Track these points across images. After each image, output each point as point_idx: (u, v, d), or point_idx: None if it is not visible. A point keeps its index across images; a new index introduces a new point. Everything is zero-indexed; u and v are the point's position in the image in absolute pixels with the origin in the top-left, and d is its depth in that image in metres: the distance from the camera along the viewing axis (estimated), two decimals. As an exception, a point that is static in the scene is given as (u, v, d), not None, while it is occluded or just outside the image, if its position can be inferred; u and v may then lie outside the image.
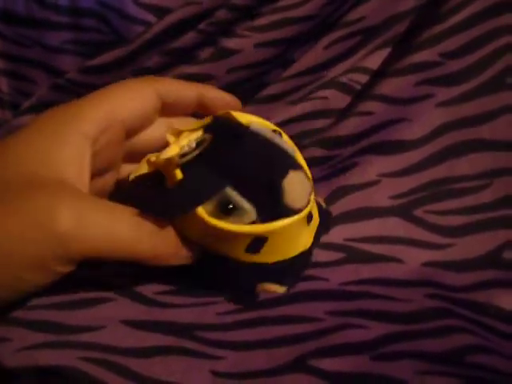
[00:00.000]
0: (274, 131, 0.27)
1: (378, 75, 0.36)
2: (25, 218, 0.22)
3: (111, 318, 0.26)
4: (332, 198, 0.34)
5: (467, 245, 0.32)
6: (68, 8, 0.41)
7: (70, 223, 0.22)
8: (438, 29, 0.34)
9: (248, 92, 0.39)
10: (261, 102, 0.38)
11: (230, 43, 0.37)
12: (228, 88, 0.39)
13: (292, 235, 0.26)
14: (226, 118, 0.26)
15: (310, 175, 0.27)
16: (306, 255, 0.28)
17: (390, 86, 0.35)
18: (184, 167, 0.25)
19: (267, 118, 0.37)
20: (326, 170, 0.35)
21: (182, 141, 0.26)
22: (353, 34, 0.37)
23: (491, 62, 0.34)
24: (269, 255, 0.26)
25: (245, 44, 0.37)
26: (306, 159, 0.36)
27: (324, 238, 0.32)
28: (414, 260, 0.31)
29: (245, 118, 0.26)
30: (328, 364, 0.24)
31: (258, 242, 0.25)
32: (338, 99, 0.36)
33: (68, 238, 0.22)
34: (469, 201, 0.33)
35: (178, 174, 0.25)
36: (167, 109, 0.29)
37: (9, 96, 0.44)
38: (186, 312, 0.27)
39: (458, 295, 0.29)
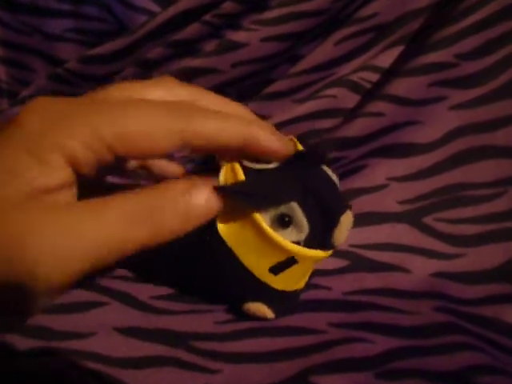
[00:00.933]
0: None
1: (390, 74, 0.34)
2: None
3: (103, 325, 0.24)
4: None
5: (478, 256, 0.31)
6: (70, -5, 0.39)
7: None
8: (453, 29, 0.33)
9: (253, 88, 0.37)
10: (266, 99, 0.37)
11: (236, 36, 0.36)
12: (232, 83, 0.38)
13: (308, 268, 0.26)
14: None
15: None
16: (299, 294, 0.28)
17: (402, 87, 0.34)
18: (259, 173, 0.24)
19: (272, 116, 0.37)
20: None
21: None
22: (365, 31, 0.35)
23: (507, 64, 0.33)
24: (282, 281, 0.25)
25: (251, 37, 0.36)
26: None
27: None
28: (421, 270, 0.30)
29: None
30: (330, 381, 0.23)
31: (286, 264, 0.24)
32: (346, 98, 0.35)
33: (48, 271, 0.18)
34: (482, 209, 0.31)
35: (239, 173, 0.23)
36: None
37: (7, 84, 0.43)
38: (183, 319, 0.26)
39: (465, 309, 0.28)
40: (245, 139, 0.21)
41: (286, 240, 0.23)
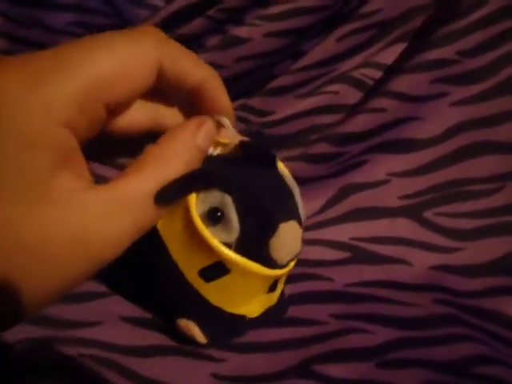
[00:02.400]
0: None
1: (392, 71, 0.35)
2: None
3: (109, 314, 0.25)
4: (339, 196, 0.33)
5: (477, 249, 0.31)
6: (73, -12, 0.39)
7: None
8: (456, 26, 0.33)
9: (256, 83, 0.37)
10: (268, 94, 0.37)
11: (239, 31, 0.36)
12: (235, 78, 0.38)
13: (250, 289, 0.23)
14: (262, 144, 0.24)
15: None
16: (245, 323, 0.24)
17: (404, 83, 0.34)
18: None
19: (274, 111, 0.37)
20: (333, 167, 0.34)
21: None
22: (368, 27, 0.35)
23: (508, 60, 0.33)
24: (217, 294, 0.22)
25: (254, 33, 0.36)
26: (313, 155, 0.35)
27: (329, 236, 0.32)
28: (421, 263, 0.31)
29: None
30: (333, 370, 0.23)
31: (216, 270, 0.21)
32: (348, 94, 0.35)
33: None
34: (481, 204, 0.32)
35: None
36: (160, 85, 0.20)
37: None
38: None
39: (465, 301, 0.29)
40: (205, 80, 0.21)
41: (213, 238, 0.21)
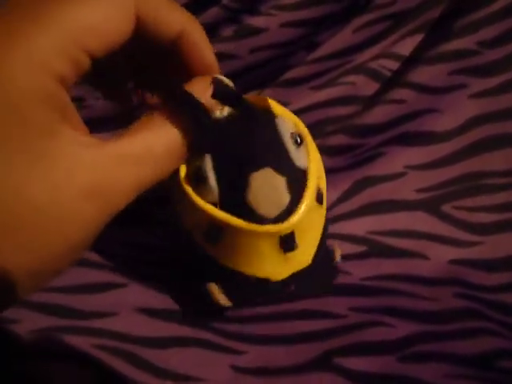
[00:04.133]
0: (299, 135, 0.23)
1: (410, 62, 0.34)
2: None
3: (124, 305, 0.24)
4: (355, 189, 0.32)
5: (496, 243, 0.31)
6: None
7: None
8: (476, 16, 0.33)
9: (271, 74, 0.37)
10: (283, 86, 0.36)
11: (255, 21, 0.36)
12: (250, 69, 0.38)
13: (257, 248, 0.22)
14: (261, 99, 0.23)
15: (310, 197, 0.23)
16: (272, 286, 0.23)
17: (423, 74, 0.33)
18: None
19: (289, 102, 0.36)
20: (350, 159, 0.33)
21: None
22: (384, 18, 0.35)
23: None
24: (228, 256, 0.22)
25: (270, 23, 0.35)
26: (329, 147, 0.35)
27: (346, 230, 0.31)
28: (440, 257, 0.30)
29: (279, 109, 0.24)
30: (354, 363, 0.23)
31: (214, 231, 0.22)
32: (366, 86, 0.35)
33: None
34: (500, 198, 0.31)
35: None
36: (137, 37, 0.20)
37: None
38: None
39: (486, 295, 0.28)
40: (185, 29, 0.21)
41: (199, 198, 0.21)
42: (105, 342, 0.22)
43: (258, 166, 0.21)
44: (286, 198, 0.22)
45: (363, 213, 0.32)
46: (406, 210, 0.32)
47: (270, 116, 0.23)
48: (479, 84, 0.33)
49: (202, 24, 0.36)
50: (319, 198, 0.23)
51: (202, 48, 0.22)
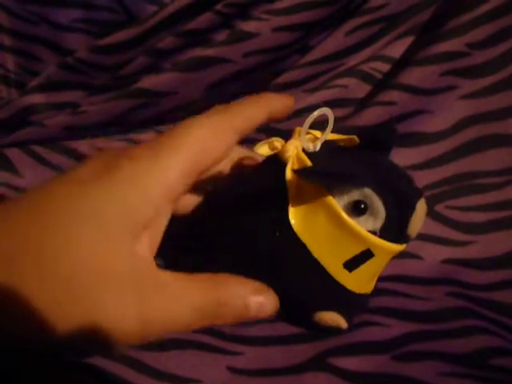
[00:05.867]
0: None
1: (401, 64, 0.35)
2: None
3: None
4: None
5: (488, 243, 0.31)
6: (79, -15, 0.39)
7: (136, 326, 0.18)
8: (465, 18, 0.33)
9: (264, 78, 0.37)
10: (277, 89, 0.37)
11: (247, 26, 0.36)
12: (243, 73, 0.38)
13: (380, 267, 0.24)
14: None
15: None
16: (367, 298, 0.25)
17: (413, 76, 0.34)
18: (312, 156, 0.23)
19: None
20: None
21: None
22: (375, 21, 0.35)
23: None
24: (356, 280, 0.23)
25: (262, 27, 0.36)
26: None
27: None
28: (433, 256, 0.31)
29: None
30: (348, 363, 0.23)
31: (362, 257, 0.22)
32: (357, 88, 0.35)
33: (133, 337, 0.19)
34: (491, 197, 0.32)
35: (305, 160, 0.22)
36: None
37: (15, 74, 0.43)
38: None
39: (478, 294, 0.29)
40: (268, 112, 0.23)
41: (363, 229, 0.22)
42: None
43: (419, 195, 0.23)
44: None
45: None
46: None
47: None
48: (469, 85, 0.33)
49: (195, 29, 0.37)
50: None
51: (283, 104, 0.25)
